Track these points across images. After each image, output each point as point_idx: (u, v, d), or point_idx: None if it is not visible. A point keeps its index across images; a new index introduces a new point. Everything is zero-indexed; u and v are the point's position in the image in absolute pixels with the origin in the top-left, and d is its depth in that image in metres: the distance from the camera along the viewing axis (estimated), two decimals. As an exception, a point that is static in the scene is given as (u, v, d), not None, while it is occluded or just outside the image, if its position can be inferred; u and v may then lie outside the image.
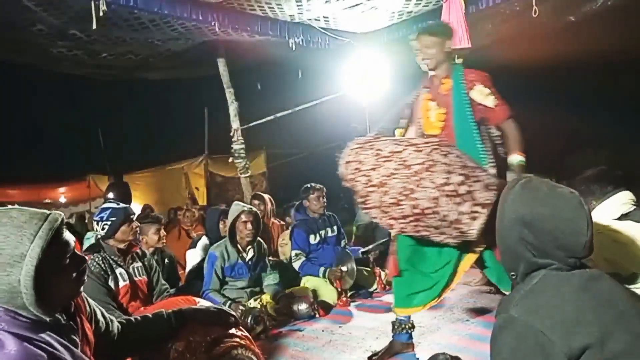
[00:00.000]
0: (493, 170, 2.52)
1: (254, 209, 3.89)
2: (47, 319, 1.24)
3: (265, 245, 3.97)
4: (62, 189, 11.89)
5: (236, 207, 3.77)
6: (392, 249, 2.76)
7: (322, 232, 4.33)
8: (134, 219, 3.10)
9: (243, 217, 3.69)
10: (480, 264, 2.68)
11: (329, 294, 3.93)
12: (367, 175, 2.40)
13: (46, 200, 12.40)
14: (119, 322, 1.68)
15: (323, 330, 3.36)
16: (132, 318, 1.74)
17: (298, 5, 4.59)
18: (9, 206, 1.30)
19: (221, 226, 4.36)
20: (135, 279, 3.02)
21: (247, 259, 3.74)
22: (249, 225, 3.67)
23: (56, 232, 1.25)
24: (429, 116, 2.72)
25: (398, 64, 5.47)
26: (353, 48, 5.57)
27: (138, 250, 3.14)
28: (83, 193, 11.10)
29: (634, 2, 4.39)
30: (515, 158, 2.55)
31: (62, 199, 12.76)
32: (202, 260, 3.97)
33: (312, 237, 4.26)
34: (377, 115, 4.91)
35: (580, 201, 1.30)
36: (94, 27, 3.73)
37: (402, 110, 2.91)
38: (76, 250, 1.35)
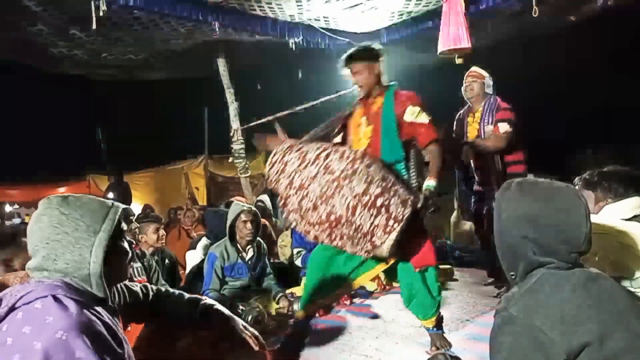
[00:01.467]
0: (415, 189, 2.55)
1: (254, 208, 3.89)
2: (100, 295, 1.34)
3: (265, 245, 3.97)
4: (62, 189, 11.84)
5: (236, 207, 3.77)
6: None
7: (322, 231, 4.32)
8: (133, 220, 3.11)
9: (243, 217, 3.69)
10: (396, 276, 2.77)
11: (328, 294, 3.92)
12: (290, 177, 2.44)
13: (46, 200, 12.34)
14: (151, 287, 1.76)
15: (323, 330, 3.35)
16: (163, 289, 1.77)
17: (298, 6, 4.59)
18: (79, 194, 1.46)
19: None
20: (135, 279, 3.02)
21: (246, 258, 3.74)
22: (249, 225, 3.67)
23: (119, 218, 1.42)
24: (358, 132, 2.76)
25: (398, 64, 5.47)
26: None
27: (137, 251, 3.15)
28: (83, 193, 11.09)
29: (634, 2, 4.40)
30: (427, 181, 2.54)
31: (62, 199, 12.71)
32: (202, 260, 3.97)
33: (312, 235, 4.25)
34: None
35: (577, 193, 1.31)
36: (94, 27, 3.73)
37: (335, 121, 2.93)
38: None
